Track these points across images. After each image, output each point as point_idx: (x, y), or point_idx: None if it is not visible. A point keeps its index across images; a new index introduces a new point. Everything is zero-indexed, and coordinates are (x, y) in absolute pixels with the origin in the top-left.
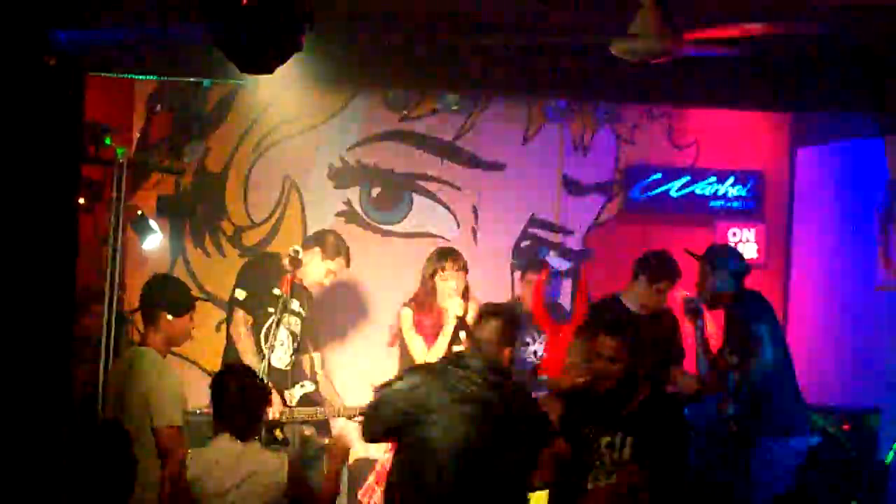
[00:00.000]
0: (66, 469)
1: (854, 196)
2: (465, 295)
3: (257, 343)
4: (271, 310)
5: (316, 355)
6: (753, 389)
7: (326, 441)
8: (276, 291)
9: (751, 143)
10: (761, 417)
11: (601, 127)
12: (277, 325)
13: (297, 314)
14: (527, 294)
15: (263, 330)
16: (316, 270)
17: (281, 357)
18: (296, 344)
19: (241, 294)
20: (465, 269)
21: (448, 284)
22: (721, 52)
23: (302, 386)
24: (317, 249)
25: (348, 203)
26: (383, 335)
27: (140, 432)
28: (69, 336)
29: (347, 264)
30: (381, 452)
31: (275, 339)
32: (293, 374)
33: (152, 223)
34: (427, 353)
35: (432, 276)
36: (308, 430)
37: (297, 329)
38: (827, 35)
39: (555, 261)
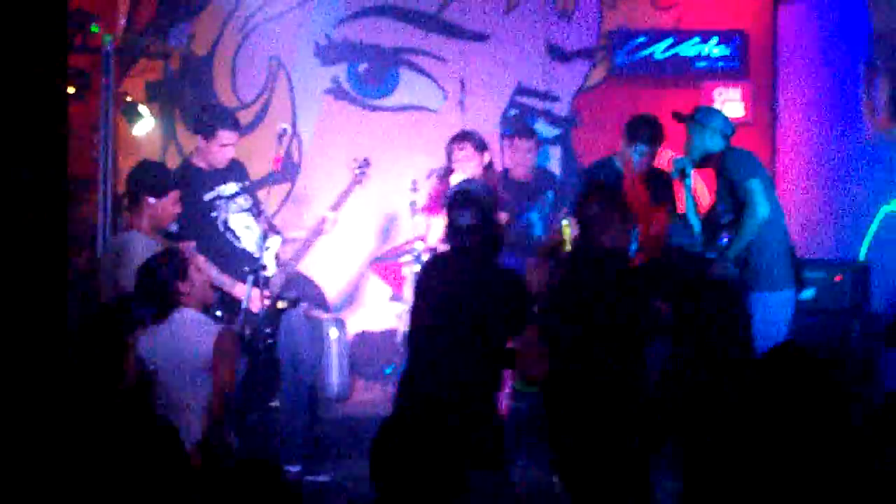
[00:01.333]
0: (68, 354)
1: (837, 50)
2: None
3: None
4: (213, 214)
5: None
6: (747, 245)
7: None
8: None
9: (733, 2)
10: (756, 272)
11: None
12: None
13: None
14: (516, 158)
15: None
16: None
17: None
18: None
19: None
20: (480, 148)
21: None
22: None
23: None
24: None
25: (336, 80)
26: (375, 210)
27: None
28: (63, 224)
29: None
30: None
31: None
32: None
33: (142, 109)
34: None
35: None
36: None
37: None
38: None
39: (543, 128)
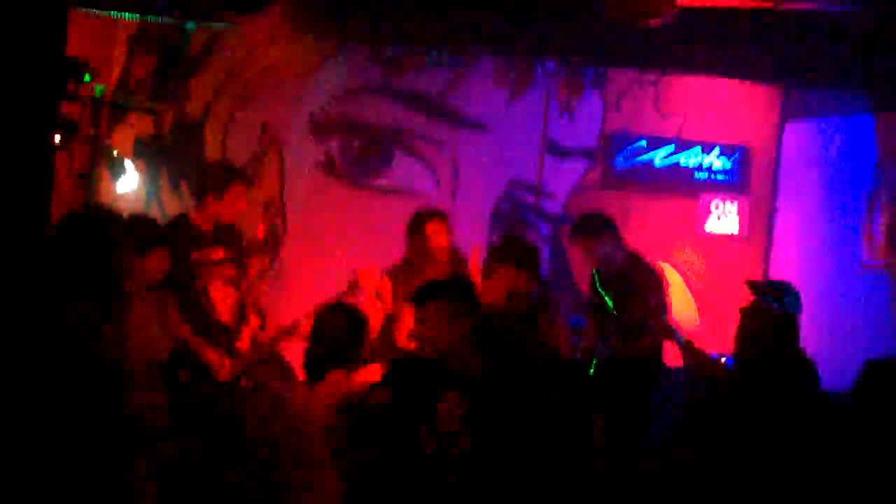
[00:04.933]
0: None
1: (841, 174)
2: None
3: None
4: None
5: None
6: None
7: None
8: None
9: (738, 116)
10: None
11: (588, 91)
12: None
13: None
14: None
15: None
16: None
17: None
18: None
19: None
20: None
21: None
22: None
23: None
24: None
25: (327, 155)
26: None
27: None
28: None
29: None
30: None
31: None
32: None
33: (127, 164)
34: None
35: (416, 231)
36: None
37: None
38: (821, 11)
39: (534, 223)
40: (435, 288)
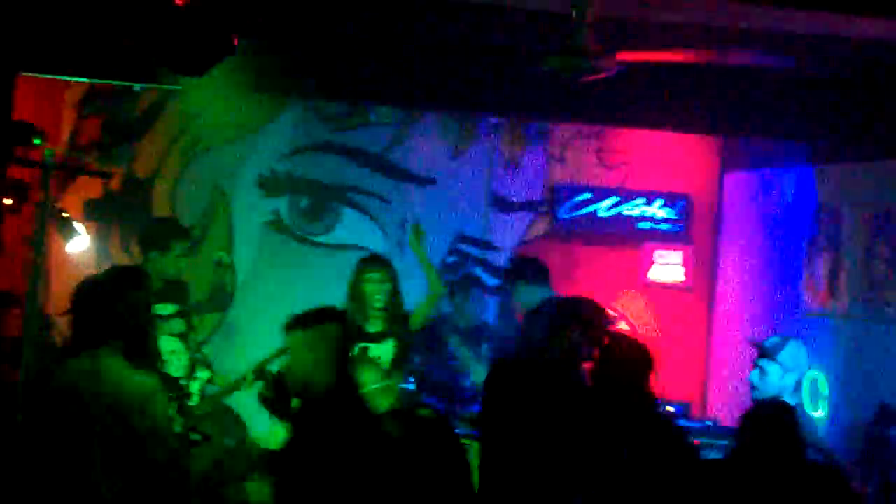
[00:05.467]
0: None
1: (781, 223)
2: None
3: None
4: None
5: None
6: None
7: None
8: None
9: (680, 166)
10: None
11: (532, 144)
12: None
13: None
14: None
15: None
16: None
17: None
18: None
19: None
20: (389, 275)
21: (374, 286)
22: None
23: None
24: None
25: (276, 213)
26: None
27: None
28: None
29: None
30: None
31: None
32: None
33: (77, 225)
34: None
35: (357, 283)
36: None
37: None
38: (760, 64)
39: (481, 277)
40: (298, 317)
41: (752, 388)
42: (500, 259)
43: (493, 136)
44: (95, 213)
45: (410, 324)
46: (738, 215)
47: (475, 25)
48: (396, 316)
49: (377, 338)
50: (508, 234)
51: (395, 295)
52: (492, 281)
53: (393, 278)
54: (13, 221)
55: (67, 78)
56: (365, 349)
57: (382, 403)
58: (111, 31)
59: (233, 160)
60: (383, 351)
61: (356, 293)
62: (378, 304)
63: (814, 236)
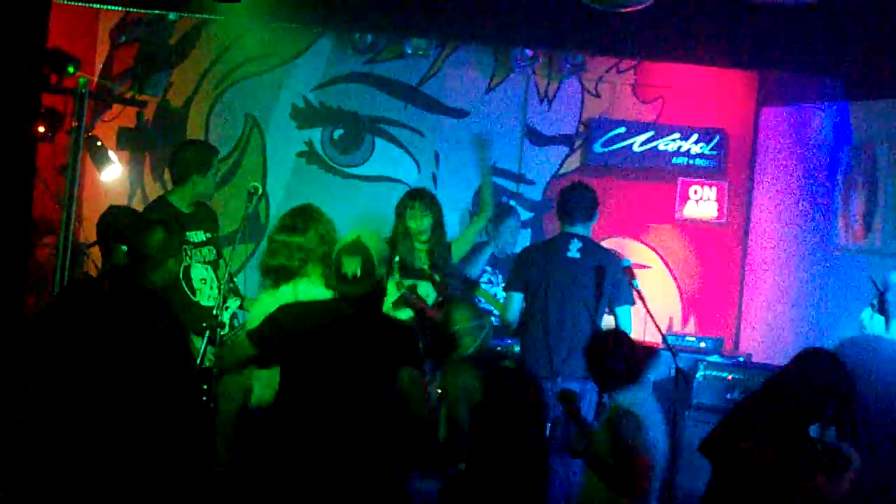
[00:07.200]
0: None
1: (816, 158)
2: (437, 233)
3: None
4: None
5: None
6: None
7: None
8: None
9: (716, 101)
10: None
11: (567, 79)
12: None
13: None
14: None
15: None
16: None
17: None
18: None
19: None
20: (431, 209)
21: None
22: None
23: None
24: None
25: (310, 143)
26: None
27: None
28: (23, 265)
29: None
30: None
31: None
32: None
33: (111, 154)
34: None
35: (400, 213)
36: None
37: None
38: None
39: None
40: None
41: (861, 326)
42: (535, 192)
43: (527, 69)
44: (129, 142)
45: (454, 252)
46: (773, 151)
47: None
48: (441, 251)
49: (424, 275)
50: (543, 167)
51: (436, 228)
52: (525, 214)
53: (436, 211)
54: (46, 150)
55: (102, 6)
56: (414, 286)
57: (471, 343)
58: None
59: (266, 91)
60: (430, 289)
61: (401, 228)
62: (423, 237)
63: (848, 173)
